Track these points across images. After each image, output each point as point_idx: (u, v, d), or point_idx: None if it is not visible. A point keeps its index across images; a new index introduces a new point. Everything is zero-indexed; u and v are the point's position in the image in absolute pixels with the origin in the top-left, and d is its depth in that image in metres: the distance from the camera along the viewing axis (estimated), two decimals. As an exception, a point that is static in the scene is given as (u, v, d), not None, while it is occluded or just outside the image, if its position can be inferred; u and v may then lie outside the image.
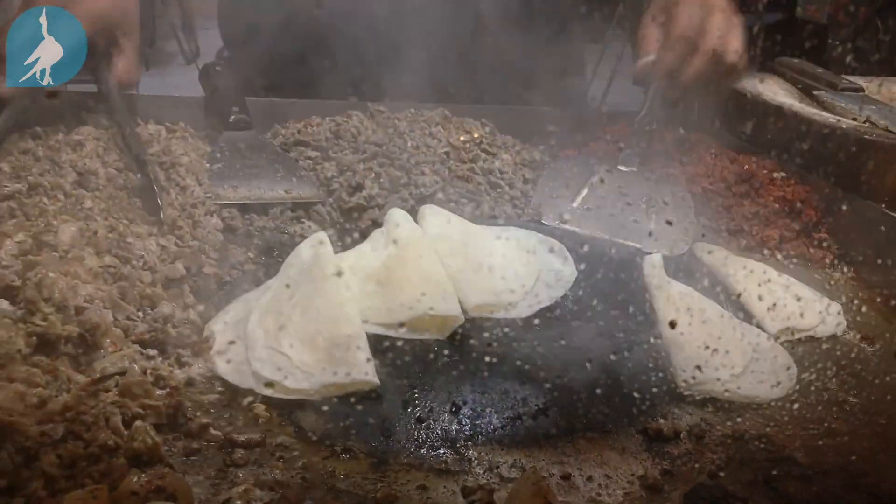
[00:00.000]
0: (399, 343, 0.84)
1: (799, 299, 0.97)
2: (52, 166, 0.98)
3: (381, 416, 0.75)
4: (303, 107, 1.33)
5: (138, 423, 0.66)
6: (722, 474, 0.70)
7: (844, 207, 1.13)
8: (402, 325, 0.85)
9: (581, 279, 0.98)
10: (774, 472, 0.70)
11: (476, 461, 0.70)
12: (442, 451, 0.71)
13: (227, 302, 0.89)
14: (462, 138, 1.27)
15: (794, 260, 1.11)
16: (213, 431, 0.70)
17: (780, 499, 0.68)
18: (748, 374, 0.83)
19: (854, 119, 1.25)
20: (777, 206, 1.17)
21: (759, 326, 0.93)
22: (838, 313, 0.97)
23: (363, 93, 1.37)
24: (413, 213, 1.04)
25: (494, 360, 0.84)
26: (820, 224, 1.16)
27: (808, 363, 0.89)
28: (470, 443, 0.72)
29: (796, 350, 0.91)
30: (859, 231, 1.11)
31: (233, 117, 1.20)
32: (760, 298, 0.96)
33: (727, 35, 1.19)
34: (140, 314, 0.82)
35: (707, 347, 0.84)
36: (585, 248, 1.02)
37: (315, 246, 0.93)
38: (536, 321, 0.91)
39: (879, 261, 1.05)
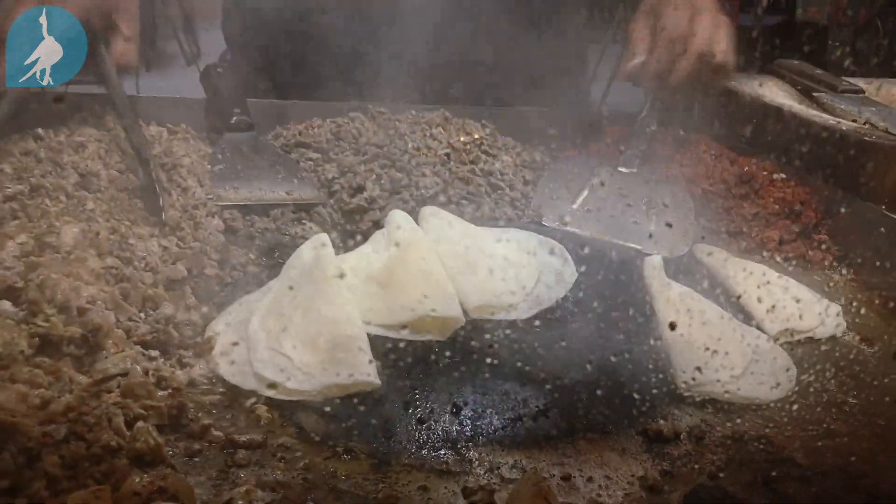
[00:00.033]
0: (400, 344, 0.84)
1: (798, 301, 0.97)
2: (54, 168, 0.99)
3: (383, 417, 0.75)
4: (304, 108, 1.33)
5: (140, 423, 0.67)
6: (722, 475, 0.71)
7: (844, 209, 1.13)
8: (404, 327, 0.85)
9: (581, 280, 0.98)
10: (774, 473, 0.71)
11: (477, 462, 0.71)
12: (443, 452, 0.71)
13: (228, 303, 0.89)
14: (462, 139, 1.27)
15: (794, 261, 1.11)
16: (214, 432, 0.70)
17: (780, 499, 0.68)
18: (748, 376, 0.83)
19: (854, 121, 1.26)
20: (777, 207, 1.17)
21: (758, 328, 0.94)
22: (837, 315, 0.97)
23: (364, 94, 1.37)
24: (414, 214, 1.05)
25: (495, 361, 0.84)
26: (820, 225, 1.16)
27: (807, 364, 0.89)
28: (471, 444, 0.73)
29: (796, 351, 0.92)
30: (859, 233, 1.11)
31: (234, 119, 1.20)
32: (760, 300, 0.97)
33: (715, 35, 1.20)
34: (142, 315, 0.82)
35: (707, 349, 0.84)
36: (586, 249, 1.02)
37: (316, 247, 0.93)
38: (537, 322, 0.91)
39: (879, 262, 1.05)
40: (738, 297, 0.99)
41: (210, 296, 0.90)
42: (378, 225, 1.06)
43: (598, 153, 1.32)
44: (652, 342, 0.89)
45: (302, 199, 1.11)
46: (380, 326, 0.86)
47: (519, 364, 0.83)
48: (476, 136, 1.28)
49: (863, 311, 1.01)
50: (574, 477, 0.69)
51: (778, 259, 1.11)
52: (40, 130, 1.06)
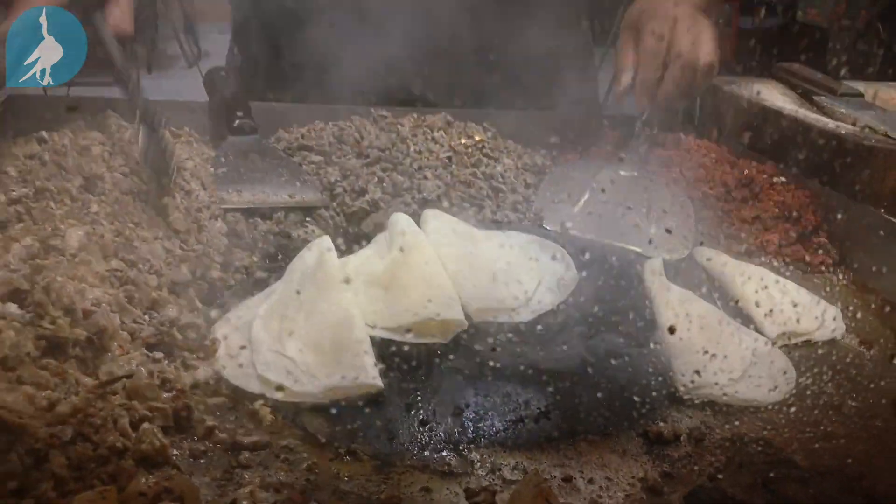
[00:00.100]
0: (404, 347, 0.85)
1: (797, 304, 0.97)
2: (59, 171, 0.99)
3: (386, 419, 0.75)
4: (306, 111, 1.34)
5: (146, 425, 0.67)
6: (721, 476, 0.71)
7: (844, 212, 1.14)
8: (407, 330, 0.86)
9: (582, 284, 0.99)
10: (772, 475, 0.71)
11: (479, 463, 0.71)
12: (445, 454, 0.72)
13: (231, 306, 0.90)
14: (464, 142, 1.28)
15: (793, 265, 1.12)
16: (219, 434, 0.71)
17: (778, 500, 0.68)
18: (746, 379, 0.84)
19: (853, 124, 1.26)
20: (777, 210, 1.17)
21: (757, 331, 0.94)
22: (835, 318, 0.98)
23: (366, 97, 1.38)
24: (416, 217, 1.05)
25: (497, 363, 0.84)
26: (819, 229, 1.16)
27: (805, 367, 0.89)
28: (473, 445, 0.73)
29: (794, 354, 0.92)
30: (858, 236, 1.11)
31: (237, 122, 1.21)
32: (759, 304, 0.97)
33: (696, 41, 1.20)
34: (146, 317, 0.82)
35: (706, 352, 0.85)
36: (587, 252, 1.03)
37: (319, 250, 0.94)
38: (539, 326, 0.92)
39: (879, 265, 1.05)
40: (737, 302, 0.99)
41: (214, 298, 0.91)
42: (380, 228, 1.06)
43: (599, 156, 1.32)
44: (652, 345, 0.89)
45: (304, 202, 1.11)
46: (383, 329, 0.86)
47: (520, 366, 0.84)
48: (478, 139, 1.29)
49: (862, 314, 1.01)
50: (575, 478, 0.70)
51: (777, 262, 1.11)
52: (45, 134, 1.06)
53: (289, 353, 0.79)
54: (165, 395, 0.73)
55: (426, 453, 0.72)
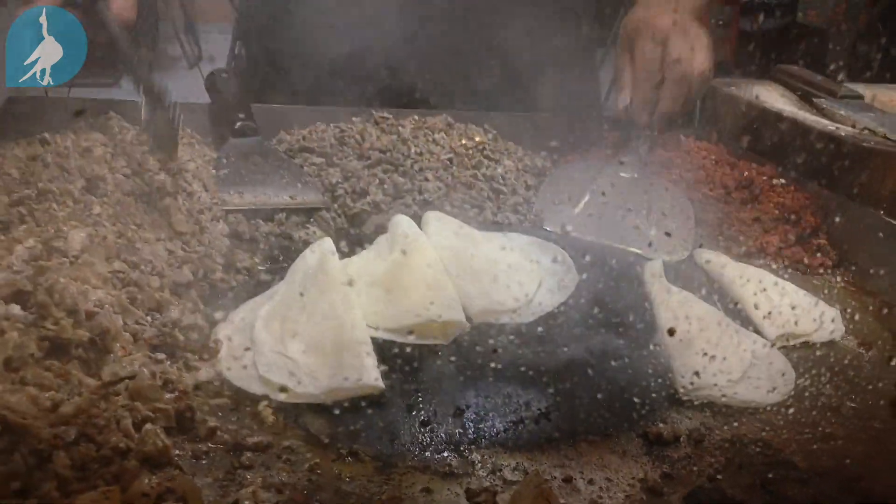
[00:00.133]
0: (405, 348, 0.85)
1: (796, 306, 0.98)
2: (61, 172, 0.99)
3: (387, 420, 0.76)
4: (307, 113, 1.34)
5: (148, 426, 0.68)
6: (720, 477, 0.72)
7: (843, 214, 1.14)
8: (409, 331, 0.86)
9: (583, 285, 0.99)
10: (771, 476, 0.71)
11: (479, 464, 0.71)
12: (446, 455, 0.72)
13: (233, 307, 0.90)
14: (465, 144, 1.28)
15: (793, 266, 1.12)
16: (221, 434, 0.71)
17: (777, 501, 0.69)
18: (746, 380, 0.84)
19: (853, 126, 1.26)
20: (776, 212, 1.17)
21: (756, 332, 0.94)
22: (833, 320, 0.98)
23: (367, 99, 1.38)
24: (417, 219, 1.06)
25: (498, 364, 0.85)
26: (819, 230, 1.16)
27: (804, 369, 0.90)
28: (473, 446, 0.74)
29: (793, 356, 0.92)
30: (858, 237, 1.12)
31: (238, 124, 1.21)
32: (758, 305, 0.97)
33: (689, 53, 1.20)
34: (149, 319, 0.83)
35: (705, 354, 0.85)
36: (587, 254, 1.03)
37: (320, 251, 0.95)
38: (539, 327, 0.92)
39: (878, 267, 1.06)
40: (736, 303, 1.00)
41: (216, 299, 0.91)
42: (382, 229, 1.06)
43: (600, 158, 1.32)
44: (651, 346, 0.90)
45: (306, 204, 1.12)
46: (385, 331, 0.87)
47: (521, 367, 0.84)
48: (478, 141, 1.29)
49: (861, 315, 1.02)
50: (575, 479, 0.70)
51: (776, 264, 1.12)
52: (47, 135, 1.07)
53: (291, 355, 0.79)
54: (168, 396, 0.73)
55: (427, 454, 0.72)
